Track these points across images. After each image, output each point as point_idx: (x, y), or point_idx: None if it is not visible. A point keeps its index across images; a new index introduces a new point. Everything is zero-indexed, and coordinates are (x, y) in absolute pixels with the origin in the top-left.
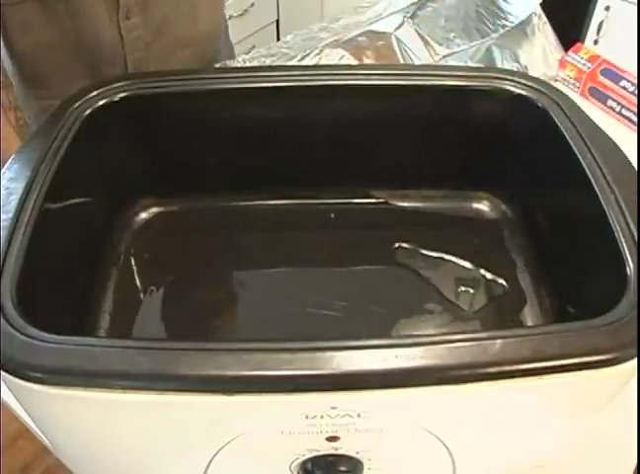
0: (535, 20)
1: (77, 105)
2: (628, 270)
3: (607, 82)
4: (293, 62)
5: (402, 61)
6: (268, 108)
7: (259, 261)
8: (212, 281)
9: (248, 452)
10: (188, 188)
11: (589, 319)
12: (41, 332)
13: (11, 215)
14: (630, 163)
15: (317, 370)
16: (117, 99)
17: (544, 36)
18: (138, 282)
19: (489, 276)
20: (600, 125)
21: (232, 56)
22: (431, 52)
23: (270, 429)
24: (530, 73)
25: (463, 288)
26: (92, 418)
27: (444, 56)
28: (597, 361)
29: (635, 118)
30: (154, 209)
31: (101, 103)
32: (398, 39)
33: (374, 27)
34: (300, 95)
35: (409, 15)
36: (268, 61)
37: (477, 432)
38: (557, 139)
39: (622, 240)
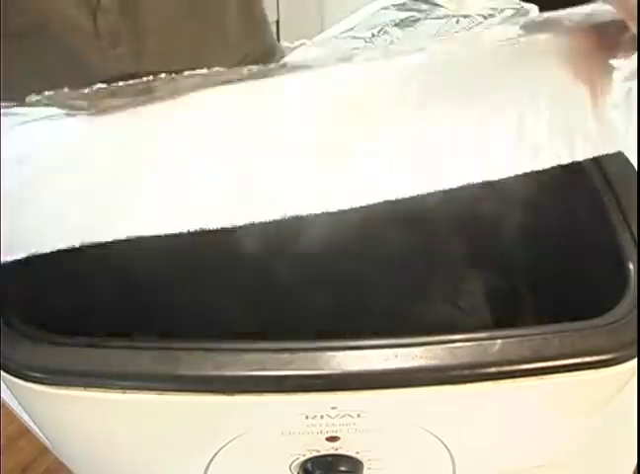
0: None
1: None
2: (628, 270)
3: None
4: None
5: None
6: None
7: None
8: (212, 281)
9: (248, 452)
10: None
11: (589, 319)
12: (42, 332)
13: None
14: (630, 163)
15: (317, 370)
16: None
17: None
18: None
19: (489, 275)
20: None
21: None
22: None
23: (270, 429)
24: None
25: (464, 288)
26: (92, 418)
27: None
28: (597, 361)
29: None
30: None
31: None
32: None
33: None
34: None
35: None
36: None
37: (477, 432)
38: None
39: (622, 240)
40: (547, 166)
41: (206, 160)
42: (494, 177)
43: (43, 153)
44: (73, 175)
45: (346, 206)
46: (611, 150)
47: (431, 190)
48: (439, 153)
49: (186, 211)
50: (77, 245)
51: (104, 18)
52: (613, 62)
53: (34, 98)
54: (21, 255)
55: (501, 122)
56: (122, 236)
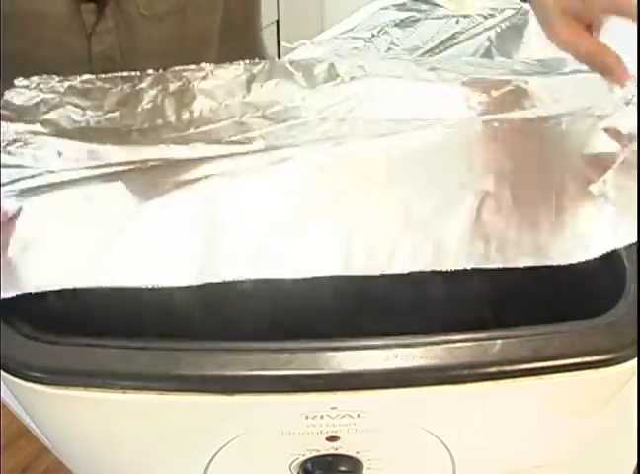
0: (534, 23)
1: None
2: (628, 269)
3: None
4: None
5: None
6: None
7: None
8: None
9: (248, 452)
10: None
11: (589, 319)
12: (42, 332)
13: None
14: None
15: (317, 370)
16: None
17: (543, 37)
18: None
19: (488, 275)
20: None
21: None
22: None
23: (270, 429)
24: None
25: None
26: (92, 418)
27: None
28: (597, 361)
29: None
30: None
31: None
32: None
33: None
34: None
35: None
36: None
37: (477, 432)
38: None
39: None
40: (495, 265)
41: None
42: (442, 266)
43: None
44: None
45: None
46: (565, 262)
47: (380, 272)
48: (391, 241)
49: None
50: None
51: (98, 42)
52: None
53: (22, 82)
54: (17, 292)
55: (455, 218)
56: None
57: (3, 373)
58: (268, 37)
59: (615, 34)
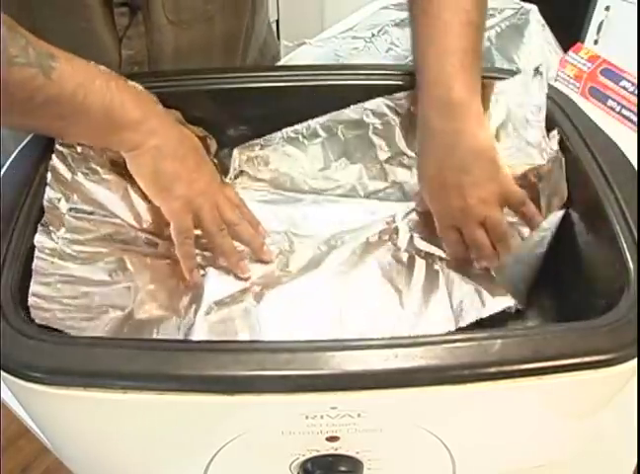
0: (534, 23)
1: None
2: (628, 270)
3: (607, 82)
4: None
5: None
6: (268, 108)
7: None
8: None
9: (248, 452)
10: None
11: (589, 319)
12: (42, 332)
13: (11, 214)
14: (630, 163)
15: (317, 370)
16: None
17: (543, 37)
18: None
19: None
20: (600, 125)
21: None
22: None
23: (270, 429)
24: None
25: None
26: (92, 418)
27: None
28: (597, 361)
29: (635, 118)
30: None
31: None
32: None
33: None
34: (302, 95)
35: None
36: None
37: (477, 432)
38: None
39: (622, 240)
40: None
41: None
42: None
43: None
44: None
45: None
46: None
47: None
48: None
49: None
50: None
51: (129, 47)
52: None
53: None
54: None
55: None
56: None
57: (3, 373)
58: None
59: (615, 33)
